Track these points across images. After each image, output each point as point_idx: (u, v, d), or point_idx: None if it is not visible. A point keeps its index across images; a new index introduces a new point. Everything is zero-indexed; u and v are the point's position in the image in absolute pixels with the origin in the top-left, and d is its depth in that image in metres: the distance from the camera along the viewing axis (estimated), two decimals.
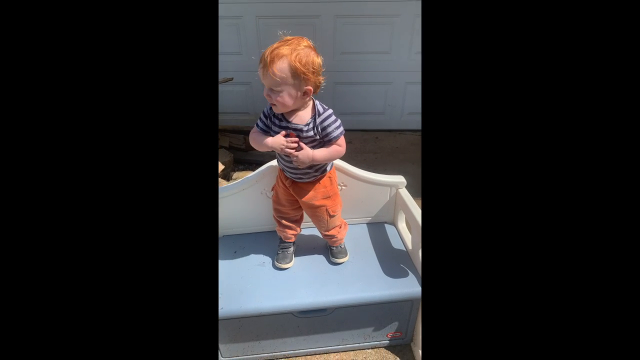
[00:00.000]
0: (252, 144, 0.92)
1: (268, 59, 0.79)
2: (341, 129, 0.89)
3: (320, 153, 0.88)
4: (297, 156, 0.86)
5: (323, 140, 0.89)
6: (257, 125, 0.92)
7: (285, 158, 0.93)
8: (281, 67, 0.78)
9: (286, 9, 2.32)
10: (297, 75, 0.80)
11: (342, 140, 0.91)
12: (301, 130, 0.87)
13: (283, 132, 0.88)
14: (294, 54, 0.78)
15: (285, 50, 0.79)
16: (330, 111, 0.89)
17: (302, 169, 0.93)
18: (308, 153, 0.87)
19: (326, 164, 0.97)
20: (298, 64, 0.78)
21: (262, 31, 2.39)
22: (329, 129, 0.87)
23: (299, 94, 0.83)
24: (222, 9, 2.29)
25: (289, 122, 0.88)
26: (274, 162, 1.08)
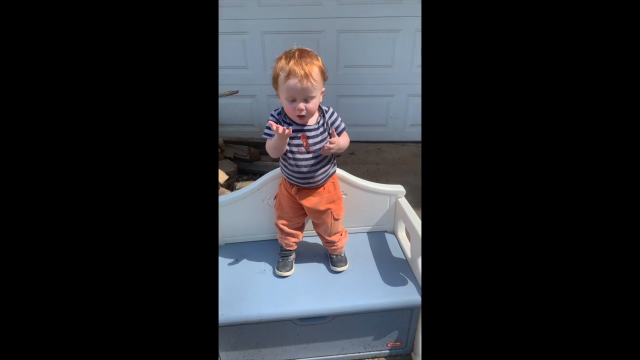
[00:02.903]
0: (270, 151, 0.95)
1: (304, 70, 0.83)
2: (344, 123, 1.00)
3: (342, 140, 0.97)
4: (332, 147, 0.92)
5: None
6: (268, 135, 0.94)
7: (290, 165, 0.97)
8: (315, 72, 0.86)
9: (291, 24, 2.39)
10: (323, 76, 0.90)
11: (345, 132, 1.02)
12: (314, 130, 0.95)
13: (290, 129, 0.88)
14: (316, 59, 0.88)
15: (309, 58, 0.87)
16: (332, 109, 0.99)
17: (309, 173, 0.97)
18: (339, 142, 0.94)
19: (330, 169, 1.02)
20: (322, 65, 0.89)
21: (267, 46, 2.46)
22: (337, 122, 0.98)
23: (321, 95, 0.92)
24: (229, 25, 2.37)
25: (301, 125, 0.94)
26: (275, 172, 1.11)
